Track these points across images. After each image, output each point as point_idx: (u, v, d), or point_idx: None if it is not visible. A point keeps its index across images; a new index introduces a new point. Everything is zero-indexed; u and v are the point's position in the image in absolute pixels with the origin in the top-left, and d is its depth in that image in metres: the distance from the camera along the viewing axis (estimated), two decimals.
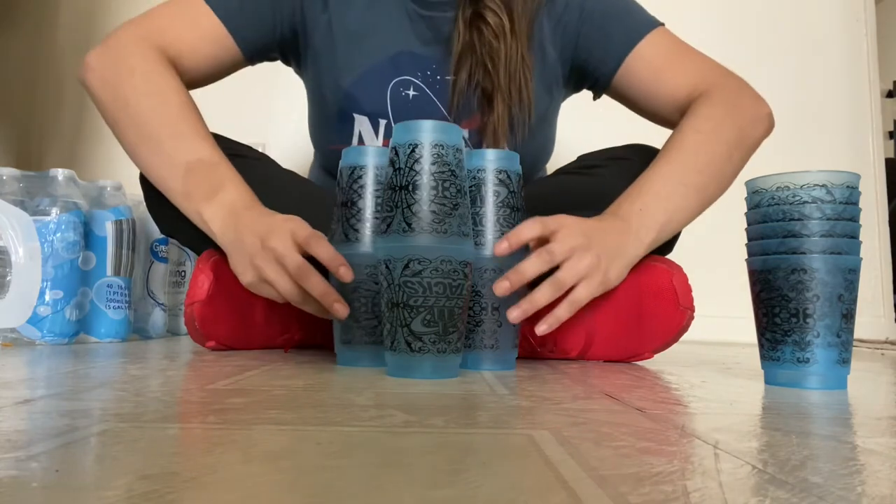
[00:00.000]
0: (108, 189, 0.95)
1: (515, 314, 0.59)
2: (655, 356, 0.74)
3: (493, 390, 0.47)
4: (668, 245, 0.79)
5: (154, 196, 0.80)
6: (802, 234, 0.52)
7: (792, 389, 0.52)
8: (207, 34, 0.77)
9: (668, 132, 0.79)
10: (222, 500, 0.20)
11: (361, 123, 0.82)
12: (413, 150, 0.53)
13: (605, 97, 0.89)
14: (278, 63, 0.89)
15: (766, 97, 0.82)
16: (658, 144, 0.78)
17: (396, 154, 0.54)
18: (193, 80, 0.79)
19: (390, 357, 0.54)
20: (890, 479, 0.25)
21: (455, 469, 0.24)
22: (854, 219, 0.53)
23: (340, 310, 0.59)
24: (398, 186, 0.53)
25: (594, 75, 0.85)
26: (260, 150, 0.88)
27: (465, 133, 0.81)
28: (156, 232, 1.05)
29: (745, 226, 0.58)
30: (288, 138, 1.56)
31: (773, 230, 0.54)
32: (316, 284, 0.59)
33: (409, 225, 0.52)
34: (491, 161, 0.63)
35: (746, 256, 0.58)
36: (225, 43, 0.78)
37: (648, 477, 0.24)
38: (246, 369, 0.56)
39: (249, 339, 0.78)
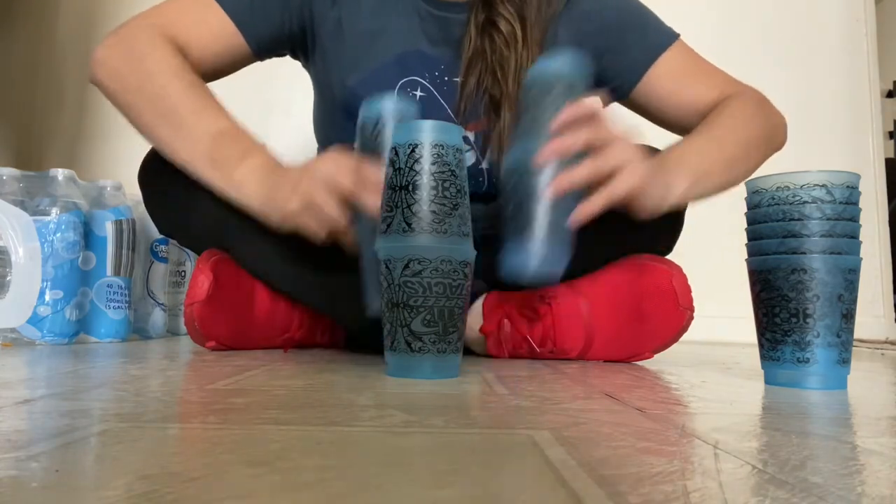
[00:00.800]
0: (108, 189, 0.95)
1: (550, 190, 0.59)
2: (655, 356, 0.74)
3: (493, 390, 0.47)
4: (669, 245, 0.79)
5: (153, 196, 0.80)
6: (802, 234, 0.52)
7: (792, 389, 0.52)
8: (216, 29, 0.77)
9: (663, 135, 0.79)
10: (222, 500, 0.20)
11: None
12: (413, 150, 0.53)
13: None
14: (278, 59, 0.88)
15: (767, 97, 0.82)
16: (657, 144, 0.78)
17: (396, 154, 0.54)
18: (201, 74, 0.79)
19: (390, 357, 0.54)
20: (890, 479, 0.25)
21: (455, 469, 0.24)
22: (854, 219, 0.53)
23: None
24: (398, 186, 0.53)
25: (611, 86, 0.85)
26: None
27: (472, 136, 0.81)
28: (156, 232, 1.05)
29: (745, 226, 0.58)
30: (287, 132, 1.56)
31: (773, 230, 0.54)
32: (372, 205, 0.58)
33: (408, 225, 0.52)
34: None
35: (746, 256, 0.58)
36: (233, 39, 0.78)
37: (648, 477, 0.24)
38: (246, 369, 0.56)
39: (249, 339, 0.78)
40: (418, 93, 0.80)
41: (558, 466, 0.25)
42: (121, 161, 1.58)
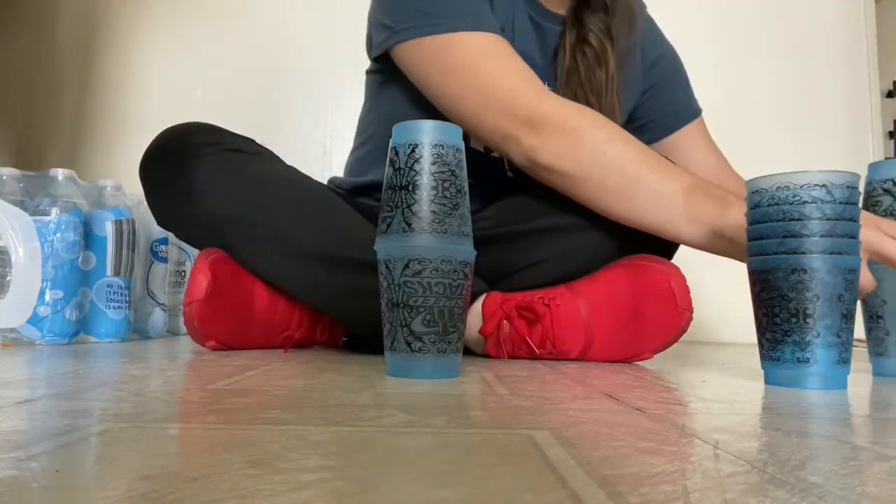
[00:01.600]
0: (108, 189, 0.95)
1: None
2: (655, 356, 0.74)
3: (493, 390, 0.47)
4: (669, 250, 0.79)
5: (154, 190, 0.80)
6: (802, 234, 0.52)
7: (792, 389, 0.52)
8: (506, 52, 0.74)
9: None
10: (222, 500, 0.20)
11: None
12: (413, 150, 0.53)
13: None
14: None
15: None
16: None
17: (396, 154, 0.54)
18: None
19: (390, 357, 0.54)
20: (890, 479, 0.25)
21: (455, 469, 0.24)
22: (854, 219, 0.53)
23: None
24: (398, 186, 0.53)
25: (644, 122, 0.96)
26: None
27: None
28: (156, 232, 1.05)
29: (745, 226, 0.58)
30: (288, 136, 1.56)
31: (772, 230, 0.54)
32: None
33: (408, 225, 0.52)
34: None
35: (746, 256, 0.58)
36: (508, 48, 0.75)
37: (648, 477, 0.24)
38: (246, 369, 0.56)
39: (249, 338, 0.78)
40: None
41: (558, 466, 0.25)
42: (121, 161, 1.59)
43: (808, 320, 0.52)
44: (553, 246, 0.77)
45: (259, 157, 0.80)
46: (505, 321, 0.73)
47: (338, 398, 0.41)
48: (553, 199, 0.75)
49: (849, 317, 0.53)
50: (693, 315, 0.71)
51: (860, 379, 0.64)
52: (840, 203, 0.52)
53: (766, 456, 0.28)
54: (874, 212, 0.66)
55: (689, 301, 0.70)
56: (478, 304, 0.75)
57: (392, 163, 0.54)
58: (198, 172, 0.75)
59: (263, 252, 0.76)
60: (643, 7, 0.96)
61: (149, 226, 1.03)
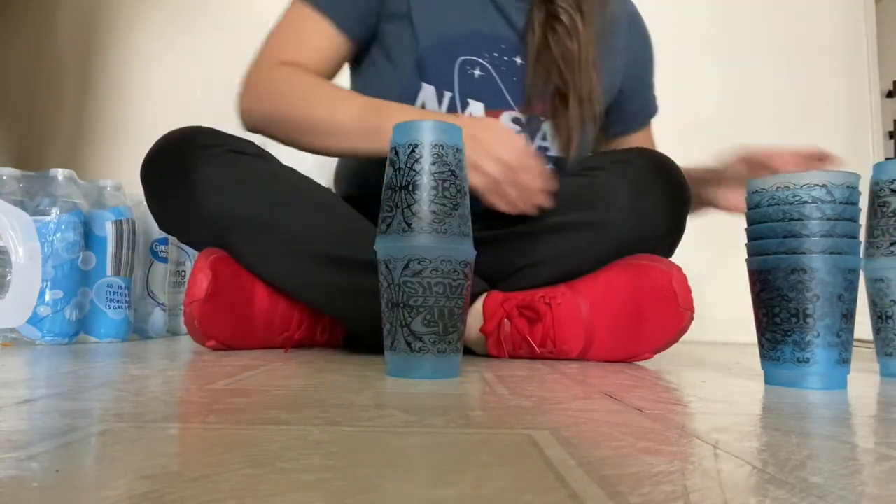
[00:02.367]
0: (108, 189, 0.95)
1: None
2: (655, 356, 0.74)
3: (493, 390, 0.47)
4: (670, 249, 0.79)
5: (155, 192, 0.80)
6: (802, 234, 0.52)
7: (792, 389, 0.52)
8: (313, 34, 0.81)
9: (662, 136, 0.79)
10: (222, 500, 0.20)
11: (427, 93, 0.83)
12: (413, 150, 0.53)
13: None
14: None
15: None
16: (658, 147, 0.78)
17: (396, 154, 0.54)
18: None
19: (390, 357, 0.54)
20: (890, 480, 0.25)
21: (455, 469, 0.24)
22: (854, 219, 0.53)
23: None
24: (398, 186, 0.53)
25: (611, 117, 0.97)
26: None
27: (523, 118, 0.84)
28: (156, 232, 1.05)
29: (745, 226, 0.58)
30: None
31: (772, 230, 0.54)
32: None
33: (408, 225, 0.52)
34: None
35: (746, 256, 0.58)
36: (330, 33, 0.82)
37: (648, 477, 0.24)
38: (246, 369, 0.56)
39: (249, 338, 0.78)
40: (477, 72, 0.83)
41: (558, 466, 0.25)
42: (121, 161, 1.59)
43: (808, 320, 0.52)
44: (554, 245, 0.77)
45: (260, 159, 0.81)
46: (506, 320, 0.73)
47: (338, 398, 0.41)
48: (555, 200, 0.75)
49: (849, 317, 0.53)
50: (694, 315, 0.71)
51: (866, 379, 0.64)
52: (840, 203, 0.52)
53: (766, 456, 0.28)
54: (882, 212, 0.65)
55: (691, 301, 0.70)
56: (478, 304, 0.75)
57: (392, 163, 0.54)
58: (200, 173, 0.75)
59: (264, 252, 0.76)
60: (627, 2, 0.97)
61: (149, 226, 1.03)
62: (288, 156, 0.87)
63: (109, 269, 0.91)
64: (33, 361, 0.62)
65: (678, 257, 0.77)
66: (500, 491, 0.22)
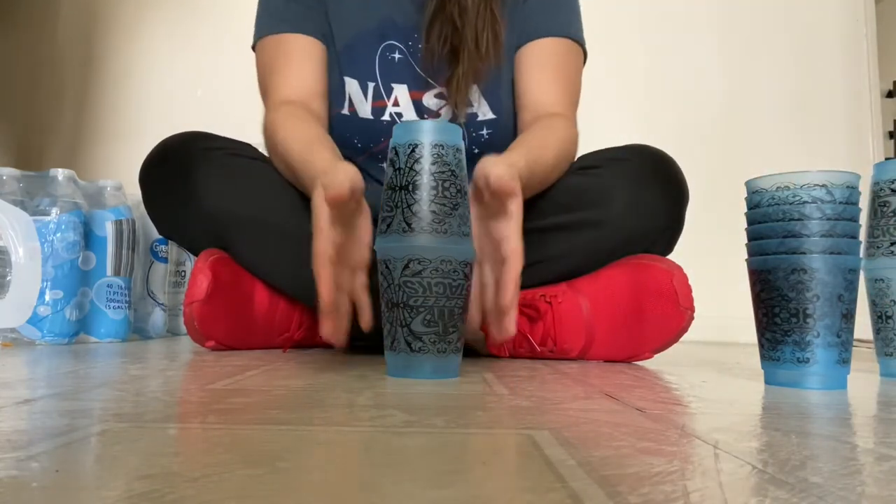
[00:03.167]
0: (108, 189, 0.95)
1: None
2: (655, 356, 0.74)
3: (493, 390, 0.47)
4: (669, 245, 0.79)
5: (153, 197, 0.80)
6: (802, 234, 0.52)
7: (792, 389, 0.52)
8: (296, 58, 0.81)
9: (662, 136, 0.79)
10: (222, 500, 0.20)
11: (351, 86, 0.83)
12: (413, 150, 0.53)
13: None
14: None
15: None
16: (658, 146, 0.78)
17: (396, 154, 0.54)
18: (321, 94, 0.82)
19: (390, 357, 0.54)
20: (890, 480, 0.25)
21: (455, 469, 0.24)
22: (854, 219, 0.53)
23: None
24: (398, 186, 0.53)
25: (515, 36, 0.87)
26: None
27: (446, 91, 0.83)
28: (156, 232, 1.05)
29: (745, 226, 0.58)
30: None
31: (772, 230, 0.54)
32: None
33: (408, 225, 0.52)
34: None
35: (746, 256, 0.58)
36: (309, 46, 0.82)
37: (648, 477, 0.24)
38: (246, 369, 0.56)
39: (249, 338, 0.78)
40: (396, 55, 0.83)
41: (558, 466, 0.25)
42: (121, 161, 1.58)
43: (808, 320, 0.52)
44: (554, 245, 0.77)
45: (258, 160, 0.81)
46: None
47: (338, 398, 0.41)
48: (555, 199, 0.75)
49: (849, 317, 0.53)
50: (694, 314, 0.71)
51: (866, 379, 0.64)
52: (840, 203, 0.52)
53: (766, 456, 0.28)
54: (882, 212, 0.65)
55: (691, 300, 0.70)
56: None
57: (392, 163, 0.54)
58: (199, 174, 0.75)
59: (264, 252, 0.76)
60: None
61: (149, 226, 1.03)
62: None
63: (109, 269, 0.91)
64: (33, 361, 0.62)
65: (678, 257, 0.77)
66: (499, 491, 0.22)
